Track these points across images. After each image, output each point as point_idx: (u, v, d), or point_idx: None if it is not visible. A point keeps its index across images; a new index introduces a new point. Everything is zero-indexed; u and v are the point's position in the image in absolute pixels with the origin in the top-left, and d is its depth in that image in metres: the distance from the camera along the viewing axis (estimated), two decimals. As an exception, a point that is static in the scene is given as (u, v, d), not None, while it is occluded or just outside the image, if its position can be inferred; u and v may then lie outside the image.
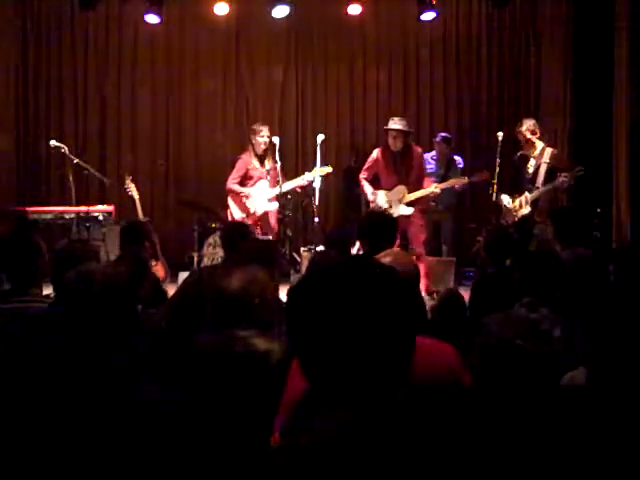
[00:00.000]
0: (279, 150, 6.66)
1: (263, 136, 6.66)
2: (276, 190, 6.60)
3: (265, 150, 6.71)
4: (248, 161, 6.75)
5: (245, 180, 6.77)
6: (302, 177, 6.62)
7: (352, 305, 1.17)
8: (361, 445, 1.12)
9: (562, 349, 2.58)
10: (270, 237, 6.68)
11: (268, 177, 6.63)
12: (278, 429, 2.26)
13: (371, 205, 6.65)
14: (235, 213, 6.82)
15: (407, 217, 6.43)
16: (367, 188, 6.66)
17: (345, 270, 1.23)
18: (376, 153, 6.72)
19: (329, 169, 6.71)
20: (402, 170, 6.53)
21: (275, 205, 6.65)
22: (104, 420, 1.70)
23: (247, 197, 6.70)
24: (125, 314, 1.84)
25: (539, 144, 6.45)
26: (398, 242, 6.50)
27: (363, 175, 6.72)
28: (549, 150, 6.44)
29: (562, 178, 6.22)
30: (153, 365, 2.70)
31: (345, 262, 1.33)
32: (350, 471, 1.10)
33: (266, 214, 6.69)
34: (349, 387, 1.17)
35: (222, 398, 2.56)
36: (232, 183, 6.81)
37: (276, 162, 6.68)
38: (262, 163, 6.73)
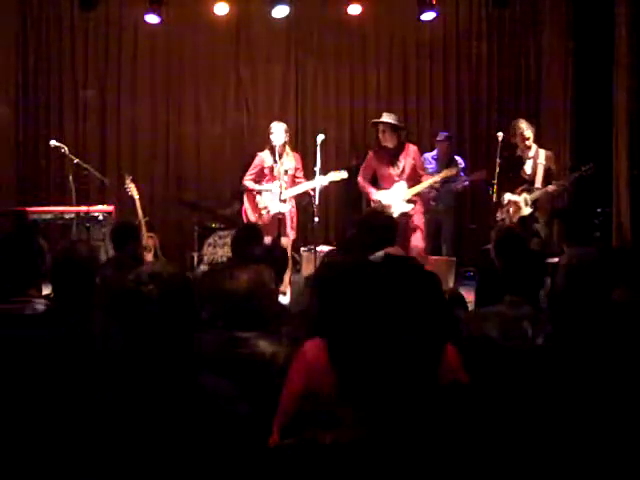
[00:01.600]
0: (277, 150, 6.63)
1: (273, 133, 6.61)
2: (289, 192, 6.53)
3: (282, 148, 6.64)
4: (264, 158, 6.71)
5: (261, 177, 6.74)
6: (315, 180, 6.48)
7: (389, 303, 1.17)
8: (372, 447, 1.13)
9: (541, 347, 2.58)
10: (289, 238, 6.65)
11: (285, 177, 6.55)
12: (276, 430, 2.26)
13: (372, 205, 6.62)
14: (249, 210, 6.78)
15: (407, 215, 6.42)
16: (368, 188, 6.63)
17: (383, 269, 1.24)
18: (370, 153, 6.71)
19: (345, 175, 6.60)
20: (398, 167, 6.49)
21: (287, 207, 6.58)
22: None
23: (259, 194, 6.66)
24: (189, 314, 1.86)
25: (533, 145, 6.45)
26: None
27: (360, 176, 6.69)
28: (543, 151, 6.45)
29: (555, 186, 6.26)
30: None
31: (384, 261, 1.35)
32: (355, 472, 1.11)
33: (281, 215, 6.59)
34: (379, 383, 1.17)
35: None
36: (247, 179, 6.76)
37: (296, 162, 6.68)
38: (278, 161, 6.63)
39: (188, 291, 1.84)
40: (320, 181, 6.39)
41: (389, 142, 6.46)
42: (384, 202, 6.45)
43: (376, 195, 6.53)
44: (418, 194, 6.52)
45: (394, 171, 6.48)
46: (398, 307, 1.19)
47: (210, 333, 2.72)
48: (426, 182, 6.48)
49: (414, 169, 6.49)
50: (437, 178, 6.63)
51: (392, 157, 6.49)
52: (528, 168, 6.41)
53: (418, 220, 6.53)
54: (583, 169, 6.31)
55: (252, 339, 2.65)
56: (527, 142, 6.38)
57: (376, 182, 6.66)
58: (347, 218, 8.67)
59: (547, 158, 6.40)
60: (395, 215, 6.23)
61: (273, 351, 2.61)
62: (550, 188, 6.29)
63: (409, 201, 6.45)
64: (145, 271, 1.82)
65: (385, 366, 1.18)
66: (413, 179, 6.50)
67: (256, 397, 2.47)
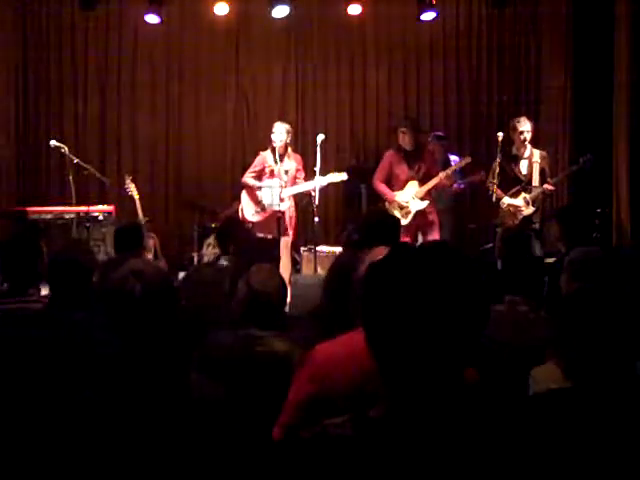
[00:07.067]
0: (278, 150, 6.62)
1: (274, 132, 6.60)
2: (288, 191, 6.53)
3: (284, 149, 6.63)
4: (265, 157, 6.71)
5: (261, 176, 6.73)
6: (315, 181, 6.46)
7: (433, 290, 1.18)
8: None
9: (542, 346, 2.59)
10: (288, 238, 6.66)
11: (284, 176, 6.53)
12: (279, 426, 2.26)
13: (387, 206, 6.60)
14: (246, 208, 6.76)
15: (422, 213, 6.50)
16: (386, 191, 6.61)
17: (425, 256, 1.25)
18: (387, 154, 6.76)
19: (344, 177, 6.60)
20: (414, 169, 6.54)
21: (286, 205, 6.57)
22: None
23: (259, 189, 6.66)
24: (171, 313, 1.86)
25: (528, 145, 6.42)
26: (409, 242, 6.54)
27: (377, 179, 6.67)
28: (538, 151, 6.43)
29: (552, 184, 6.27)
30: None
31: (424, 249, 1.35)
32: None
33: (280, 213, 6.57)
34: (418, 370, 1.18)
35: (241, 396, 2.56)
36: (247, 177, 6.76)
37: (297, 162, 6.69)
38: (278, 161, 6.61)
39: (170, 288, 1.85)
40: (319, 182, 6.38)
41: (408, 144, 6.51)
42: (402, 202, 6.49)
43: (395, 196, 6.56)
44: (431, 192, 6.60)
45: (410, 173, 6.53)
46: (437, 294, 1.20)
47: (227, 331, 2.74)
48: (436, 178, 6.50)
49: (429, 172, 6.54)
50: (443, 174, 6.62)
51: (410, 159, 6.54)
52: (523, 168, 6.39)
53: (434, 218, 6.62)
54: (582, 160, 6.30)
55: (268, 337, 2.68)
56: (525, 142, 6.35)
57: (388, 183, 6.68)
58: (347, 218, 8.66)
59: (542, 158, 6.39)
60: (412, 213, 6.45)
61: (287, 350, 2.64)
62: (547, 187, 6.28)
63: (422, 198, 6.50)
64: (128, 269, 1.83)
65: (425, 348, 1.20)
66: (425, 178, 6.55)
67: (272, 395, 2.48)
